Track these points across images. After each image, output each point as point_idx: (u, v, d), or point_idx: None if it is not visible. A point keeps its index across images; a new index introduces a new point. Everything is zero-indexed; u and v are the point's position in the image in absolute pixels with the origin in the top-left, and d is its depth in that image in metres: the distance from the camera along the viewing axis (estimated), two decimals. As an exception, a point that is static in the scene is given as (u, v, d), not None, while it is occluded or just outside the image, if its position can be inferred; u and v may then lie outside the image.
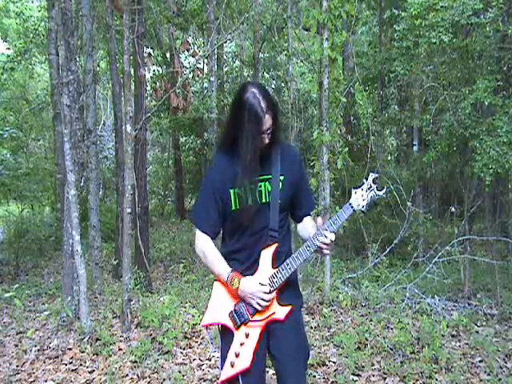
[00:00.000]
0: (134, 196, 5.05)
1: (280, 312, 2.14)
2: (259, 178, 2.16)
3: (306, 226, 2.31)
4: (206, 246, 2.22)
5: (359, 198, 2.12)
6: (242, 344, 2.12)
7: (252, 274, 2.17)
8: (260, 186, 2.17)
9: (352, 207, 2.12)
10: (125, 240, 4.82)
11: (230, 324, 2.17)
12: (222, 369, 2.16)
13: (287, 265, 2.14)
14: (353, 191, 2.15)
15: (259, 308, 2.13)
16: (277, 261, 2.17)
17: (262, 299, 2.11)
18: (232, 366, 2.11)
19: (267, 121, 2.07)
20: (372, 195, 2.12)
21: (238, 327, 2.15)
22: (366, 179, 2.15)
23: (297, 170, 2.27)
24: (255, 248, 2.18)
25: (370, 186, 2.13)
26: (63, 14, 4.73)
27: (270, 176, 2.19)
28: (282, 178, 2.20)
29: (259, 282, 2.13)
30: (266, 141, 2.13)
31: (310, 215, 2.36)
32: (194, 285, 6.43)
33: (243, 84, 2.20)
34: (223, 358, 2.17)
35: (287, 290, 2.20)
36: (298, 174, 2.27)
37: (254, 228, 2.17)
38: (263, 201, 2.18)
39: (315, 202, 2.54)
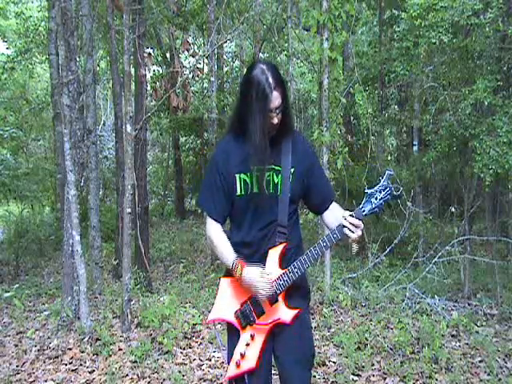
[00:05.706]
0: (134, 196, 5.05)
1: (287, 315, 2.07)
2: (268, 166, 2.05)
3: (334, 212, 2.17)
4: (214, 232, 2.15)
5: (373, 200, 1.98)
6: (247, 345, 2.09)
7: None
8: (268, 176, 2.07)
9: (363, 210, 1.99)
10: (125, 240, 4.82)
11: (235, 322, 2.13)
12: (228, 364, 2.15)
13: (294, 267, 2.04)
14: (367, 191, 2.00)
15: (263, 293, 2.01)
16: (284, 259, 2.09)
17: (266, 284, 2.01)
18: (238, 366, 2.09)
19: (276, 98, 1.98)
20: (386, 196, 1.98)
21: (243, 327, 2.12)
22: (382, 177, 1.99)
23: (308, 160, 2.17)
24: (262, 244, 2.10)
25: (386, 187, 1.98)
26: (63, 14, 4.74)
27: (279, 167, 2.09)
28: (292, 170, 2.10)
29: (261, 270, 2.03)
30: (276, 121, 2.03)
31: (333, 201, 2.20)
32: (194, 285, 6.43)
33: (253, 62, 2.12)
34: (230, 354, 2.15)
35: (295, 293, 2.12)
36: (309, 163, 2.16)
37: (261, 220, 2.09)
38: (270, 191, 2.08)
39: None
